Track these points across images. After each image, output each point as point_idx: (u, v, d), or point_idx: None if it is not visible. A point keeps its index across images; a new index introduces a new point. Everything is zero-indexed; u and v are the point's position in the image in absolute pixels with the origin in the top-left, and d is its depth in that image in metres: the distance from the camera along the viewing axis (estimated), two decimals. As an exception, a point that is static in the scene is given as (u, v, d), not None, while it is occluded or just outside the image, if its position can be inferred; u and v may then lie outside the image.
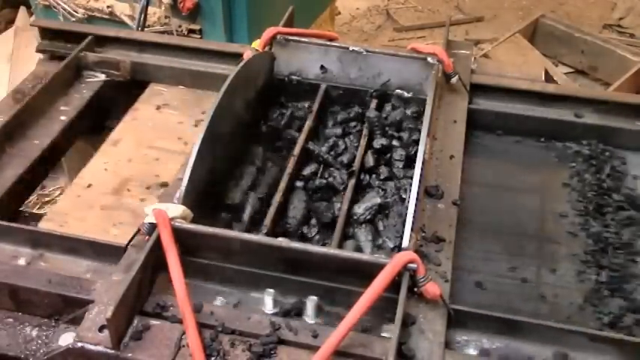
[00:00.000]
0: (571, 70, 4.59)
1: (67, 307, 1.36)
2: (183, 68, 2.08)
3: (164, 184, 1.72)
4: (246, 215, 1.57)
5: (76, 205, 1.69)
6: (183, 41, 2.20)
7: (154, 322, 1.26)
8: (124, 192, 1.72)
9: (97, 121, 2.06)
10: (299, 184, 1.67)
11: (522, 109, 1.90)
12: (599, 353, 1.27)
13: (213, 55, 2.07)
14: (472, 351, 1.29)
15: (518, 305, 1.45)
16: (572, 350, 1.28)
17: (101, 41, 2.12)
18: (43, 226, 1.61)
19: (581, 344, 1.28)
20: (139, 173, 1.78)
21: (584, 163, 1.80)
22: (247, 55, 1.78)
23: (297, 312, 1.32)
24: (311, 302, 1.31)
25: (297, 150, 1.68)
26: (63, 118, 1.91)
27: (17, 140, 1.80)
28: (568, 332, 1.28)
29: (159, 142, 1.89)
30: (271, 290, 1.34)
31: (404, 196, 1.60)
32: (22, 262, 1.45)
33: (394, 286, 1.24)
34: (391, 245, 1.51)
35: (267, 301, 1.33)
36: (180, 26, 2.98)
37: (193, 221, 1.39)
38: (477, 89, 1.91)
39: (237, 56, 1.92)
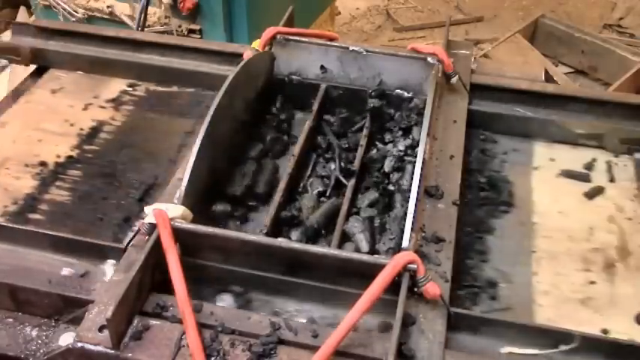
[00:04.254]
0: (571, 70, 4.60)
1: (67, 307, 1.36)
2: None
3: (42, 163, 1.77)
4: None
5: None
6: (182, 41, 2.20)
7: (153, 322, 1.26)
8: (1, 170, 1.75)
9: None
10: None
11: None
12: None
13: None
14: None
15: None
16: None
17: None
18: None
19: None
20: (19, 153, 1.81)
21: None
22: (247, 55, 1.78)
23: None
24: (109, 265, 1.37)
25: (297, 150, 1.68)
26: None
27: None
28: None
29: (45, 125, 1.91)
30: (112, 260, 1.39)
31: (403, 196, 1.60)
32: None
33: (394, 286, 1.24)
34: (391, 245, 1.51)
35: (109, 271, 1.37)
36: (180, 26, 2.99)
37: (193, 221, 1.39)
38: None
39: (237, 56, 1.92)
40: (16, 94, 2.03)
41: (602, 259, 1.54)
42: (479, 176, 1.73)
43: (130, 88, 2.06)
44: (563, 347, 1.27)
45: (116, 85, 2.07)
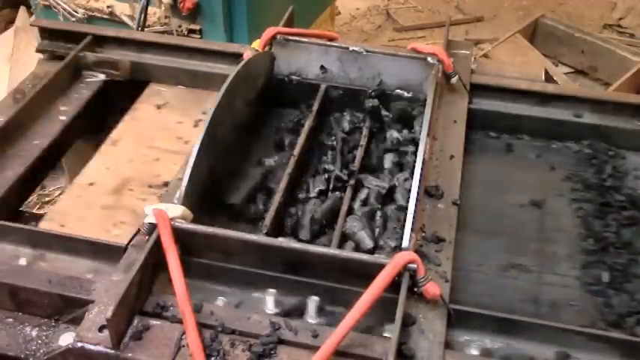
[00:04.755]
0: (571, 70, 4.59)
1: (67, 307, 1.36)
2: (183, 68, 2.07)
3: (166, 184, 1.72)
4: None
5: (77, 205, 1.68)
6: (182, 41, 2.20)
7: (153, 322, 1.26)
8: (124, 192, 1.72)
9: (96, 121, 2.06)
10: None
11: (521, 109, 1.90)
12: (601, 353, 1.27)
13: (213, 55, 2.07)
14: (474, 351, 1.29)
15: (519, 306, 1.45)
16: (573, 350, 1.28)
17: (101, 41, 2.12)
18: (43, 226, 1.61)
19: (583, 344, 1.27)
20: (139, 173, 1.78)
21: (585, 163, 1.79)
22: (247, 55, 1.78)
23: (299, 312, 1.32)
24: (312, 302, 1.31)
25: (297, 150, 1.68)
26: (62, 118, 1.90)
27: (17, 140, 1.79)
28: (569, 332, 1.28)
29: (158, 142, 1.89)
30: (273, 290, 1.34)
31: (403, 196, 1.60)
32: (22, 262, 1.45)
33: (394, 286, 1.24)
34: (392, 245, 1.51)
35: (269, 301, 1.33)
36: (180, 26, 2.98)
37: (193, 221, 1.39)
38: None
39: (237, 56, 1.92)
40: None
41: None
42: (616, 194, 1.70)
43: None
44: None
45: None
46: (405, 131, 1.77)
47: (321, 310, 1.32)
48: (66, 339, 1.28)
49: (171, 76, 2.08)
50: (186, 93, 2.07)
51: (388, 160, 1.73)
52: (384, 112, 1.82)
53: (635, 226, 1.62)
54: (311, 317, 1.31)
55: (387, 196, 1.62)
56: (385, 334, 1.28)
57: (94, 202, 1.69)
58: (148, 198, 1.69)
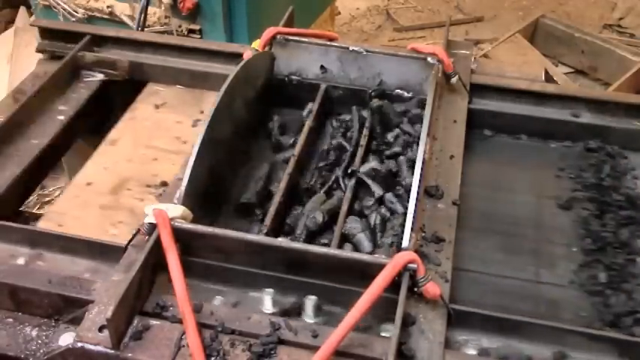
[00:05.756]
0: (571, 70, 4.60)
1: (67, 307, 1.36)
2: (181, 68, 2.07)
3: (164, 184, 1.72)
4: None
5: (74, 204, 1.68)
6: (182, 41, 2.20)
7: (153, 322, 1.26)
8: (122, 191, 1.72)
9: (95, 121, 2.06)
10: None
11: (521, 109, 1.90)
12: (599, 353, 1.27)
13: (213, 55, 2.07)
14: (471, 351, 1.29)
15: (517, 305, 1.45)
16: (571, 350, 1.28)
17: (99, 41, 2.12)
18: (41, 225, 1.61)
19: (581, 344, 1.27)
20: (137, 173, 1.78)
21: (584, 163, 1.80)
22: (247, 55, 1.78)
23: (297, 312, 1.32)
24: (310, 301, 1.31)
25: (297, 150, 1.68)
26: (61, 117, 1.90)
27: (15, 140, 1.79)
28: (567, 332, 1.28)
29: (157, 142, 1.89)
30: (270, 290, 1.34)
31: (403, 196, 1.60)
32: (20, 261, 1.45)
33: (394, 286, 1.24)
34: (390, 242, 1.51)
35: (267, 300, 1.33)
36: (180, 26, 2.98)
37: (193, 221, 1.39)
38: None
39: (237, 56, 1.92)
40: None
41: None
42: (614, 194, 1.70)
43: None
44: None
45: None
46: (411, 130, 1.78)
47: (319, 310, 1.32)
48: (66, 339, 1.28)
49: (170, 76, 2.08)
50: (184, 93, 2.07)
51: (388, 159, 1.73)
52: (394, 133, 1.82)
53: (633, 226, 1.62)
54: (308, 317, 1.31)
55: (387, 196, 1.62)
56: (384, 334, 1.28)
57: (91, 202, 1.69)
58: (146, 198, 1.69)
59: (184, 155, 1.73)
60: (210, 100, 1.93)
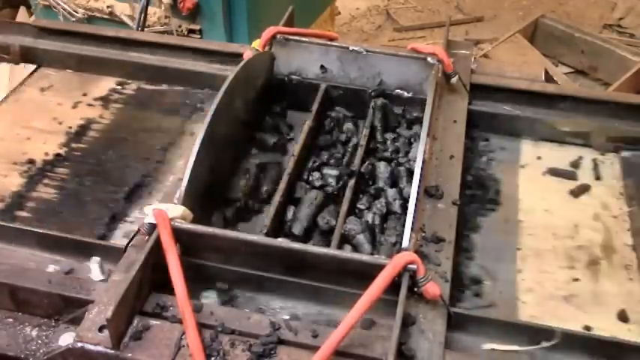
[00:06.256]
0: (571, 70, 4.60)
1: (67, 307, 1.36)
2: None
3: (30, 161, 1.78)
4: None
5: None
6: (182, 41, 2.20)
7: (153, 322, 1.26)
8: None
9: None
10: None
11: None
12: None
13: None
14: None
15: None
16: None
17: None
18: None
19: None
20: (7, 151, 1.82)
21: None
22: (247, 55, 1.78)
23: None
24: (94, 263, 1.39)
25: (297, 150, 1.68)
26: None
27: None
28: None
29: (34, 123, 1.93)
30: (97, 258, 1.40)
31: (403, 196, 1.60)
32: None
33: (394, 286, 1.24)
34: (390, 242, 1.51)
35: (94, 268, 1.39)
36: (180, 26, 2.99)
37: (194, 221, 1.39)
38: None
39: (237, 56, 1.92)
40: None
41: (587, 256, 1.54)
42: (466, 174, 1.73)
43: (120, 87, 2.07)
44: (545, 344, 1.27)
45: (105, 84, 2.08)
46: (412, 131, 1.77)
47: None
48: (66, 339, 1.28)
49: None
50: (72, 76, 2.11)
51: (388, 160, 1.73)
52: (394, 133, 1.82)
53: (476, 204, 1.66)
54: (95, 276, 1.38)
55: (387, 197, 1.62)
56: (385, 334, 1.28)
57: None
58: (10, 174, 1.75)
59: (58, 135, 1.88)
60: (101, 84, 2.06)
